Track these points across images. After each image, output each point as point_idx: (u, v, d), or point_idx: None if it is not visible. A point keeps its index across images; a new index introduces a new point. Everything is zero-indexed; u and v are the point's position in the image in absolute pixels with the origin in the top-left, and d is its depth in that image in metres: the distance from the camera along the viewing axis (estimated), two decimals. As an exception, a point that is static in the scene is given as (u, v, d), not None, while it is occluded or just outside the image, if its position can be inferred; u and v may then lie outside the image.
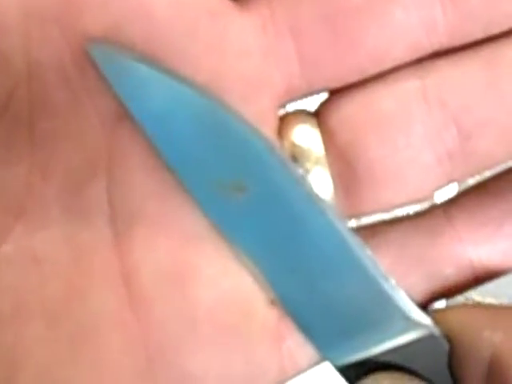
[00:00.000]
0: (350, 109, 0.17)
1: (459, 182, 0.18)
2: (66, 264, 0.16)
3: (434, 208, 0.18)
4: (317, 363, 0.17)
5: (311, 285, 0.16)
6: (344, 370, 0.17)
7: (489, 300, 0.17)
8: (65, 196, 0.16)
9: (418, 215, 0.18)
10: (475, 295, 0.17)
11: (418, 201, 0.17)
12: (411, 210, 0.18)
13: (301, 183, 0.16)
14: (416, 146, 0.17)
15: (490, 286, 0.17)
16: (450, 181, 0.17)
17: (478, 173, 0.18)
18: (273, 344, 0.17)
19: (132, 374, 0.16)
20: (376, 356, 0.16)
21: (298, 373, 0.17)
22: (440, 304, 0.17)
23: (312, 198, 0.16)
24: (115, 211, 0.16)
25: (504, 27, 0.17)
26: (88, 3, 0.15)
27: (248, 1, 0.17)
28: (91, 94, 0.16)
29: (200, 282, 0.16)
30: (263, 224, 0.16)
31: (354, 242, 0.16)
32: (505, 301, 0.16)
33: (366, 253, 0.16)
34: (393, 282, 0.16)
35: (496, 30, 0.17)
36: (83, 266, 0.16)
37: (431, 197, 0.17)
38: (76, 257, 0.16)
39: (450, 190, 0.18)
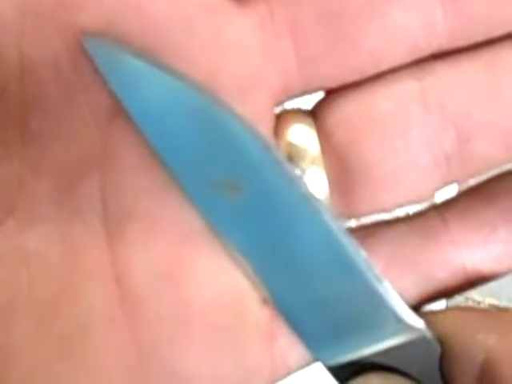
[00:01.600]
0: (348, 109, 0.17)
1: (455, 184, 0.18)
2: (57, 262, 0.16)
3: (428, 210, 0.18)
4: (308, 363, 0.17)
5: (304, 284, 0.16)
6: (335, 370, 0.17)
7: (489, 300, 0.17)
8: (57, 193, 0.16)
9: (413, 217, 0.18)
10: (475, 295, 0.18)
11: (414, 203, 0.17)
12: (406, 211, 0.18)
13: (296, 183, 0.16)
14: (413, 148, 0.17)
15: (490, 286, 0.17)
16: (447, 183, 0.17)
17: (475, 176, 0.17)
18: (265, 344, 0.17)
19: (123, 374, 0.16)
20: (367, 357, 0.16)
21: (290, 373, 0.17)
22: (434, 306, 0.17)
23: (307, 198, 0.16)
24: (108, 209, 0.16)
25: (504, 31, 0.17)
26: None
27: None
28: (86, 90, 0.16)
29: (193, 281, 0.16)
30: (257, 223, 0.16)
31: (349, 243, 0.16)
32: (504, 301, 0.17)
33: (360, 254, 0.16)
34: (386, 283, 0.16)
35: (496, 34, 0.17)
36: (74, 264, 0.16)
37: (427, 199, 0.17)
38: (67, 255, 0.16)
39: (446, 193, 0.18)
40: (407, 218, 0.18)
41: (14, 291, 0.16)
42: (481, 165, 0.17)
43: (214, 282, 0.16)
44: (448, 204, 0.18)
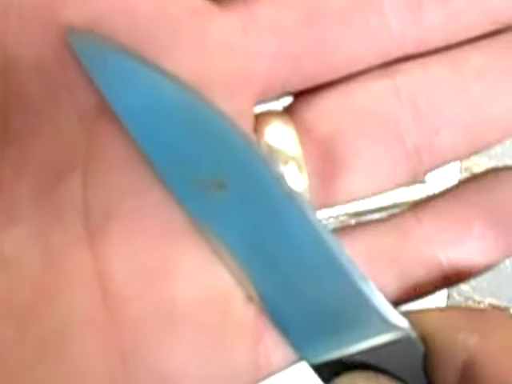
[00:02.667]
0: (327, 104, 0.17)
1: (424, 175, 0.18)
2: (37, 264, 0.16)
3: (403, 210, 0.18)
4: (293, 363, 0.17)
5: (289, 282, 0.16)
6: (319, 369, 0.17)
7: (489, 300, 0.17)
8: (38, 193, 0.16)
9: (389, 217, 0.18)
10: (475, 295, 0.18)
11: (387, 193, 0.18)
12: (381, 213, 0.18)
13: (280, 181, 0.16)
14: (388, 140, 0.17)
15: (490, 286, 0.17)
16: (417, 174, 0.18)
17: (442, 166, 0.18)
18: (250, 342, 0.17)
19: (106, 376, 0.16)
20: (351, 355, 0.16)
21: (275, 372, 0.17)
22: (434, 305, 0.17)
23: (291, 196, 0.16)
24: (90, 208, 0.16)
25: (464, 37, 0.18)
26: None
27: (228, 3, 0.17)
28: (70, 89, 0.15)
29: (177, 279, 0.16)
30: (243, 220, 0.16)
31: (333, 241, 0.16)
32: (504, 301, 0.16)
33: (344, 253, 0.16)
34: (371, 283, 0.16)
35: (456, 40, 0.18)
36: (55, 265, 0.16)
37: (399, 189, 0.18)
38: (47, 256, 0.16)
39: (420, 191, 0.18)
40: (383, 219, 0.18)
41: None
42: (448, 156, 0.18)
43: (199, 280, 0.16)
44: (422, 203, 0.18)
